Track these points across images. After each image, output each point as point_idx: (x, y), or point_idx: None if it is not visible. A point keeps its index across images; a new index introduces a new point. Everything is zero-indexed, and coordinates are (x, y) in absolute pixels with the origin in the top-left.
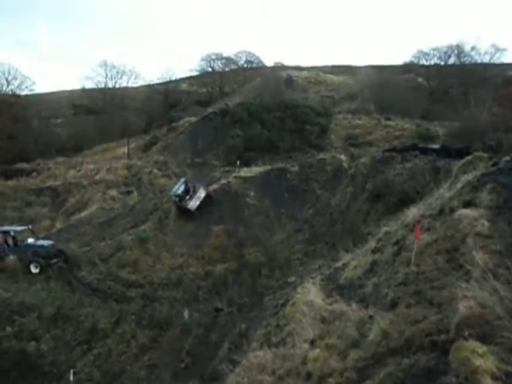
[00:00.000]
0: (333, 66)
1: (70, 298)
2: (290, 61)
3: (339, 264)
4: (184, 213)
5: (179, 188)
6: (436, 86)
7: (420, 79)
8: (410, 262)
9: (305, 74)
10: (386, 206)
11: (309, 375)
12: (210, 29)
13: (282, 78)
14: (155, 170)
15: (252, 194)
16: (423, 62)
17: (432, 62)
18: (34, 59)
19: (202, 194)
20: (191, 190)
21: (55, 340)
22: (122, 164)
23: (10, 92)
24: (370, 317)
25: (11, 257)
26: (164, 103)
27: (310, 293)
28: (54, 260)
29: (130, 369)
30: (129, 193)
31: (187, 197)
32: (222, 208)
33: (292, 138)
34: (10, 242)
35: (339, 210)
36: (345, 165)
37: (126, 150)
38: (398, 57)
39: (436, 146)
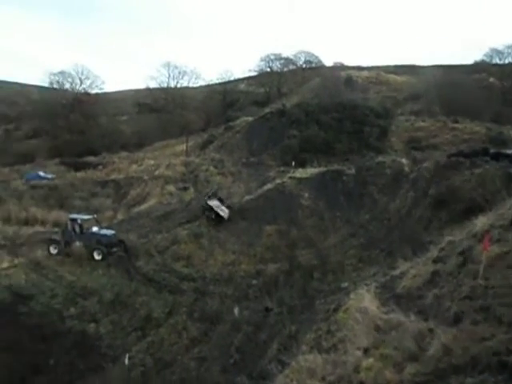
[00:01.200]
0: (395, 66)
1: (127, 286)
2: (350, 60)
3: (396, 272)
4: (213, 220)
5: (211, 197)
6: (510, 87)
7: (492, 79)
8: (477, 275)
9: (365, 73)
10: (451, 213)
11: None
12: (270, 29)
13: (341, 78)
14: (211, 168)
15: (306, 195)
16: (496, 60)
17: (506, 61)
18: (104, 60)
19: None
20: (223, 200)
21: (113, 324)
22: (181, 161)
23: (83, 90)
24: (430, 330)
25: (77, 243)
26: (222, 103)
27: (365, 300)
28: (115, 249)
29: (181, 359)
30: (185, 189)
31: (221, 206)
32: (275, 208)
33: (349, 140)
34: (77, 229)
35: (398, 216)
36: (406, 169)
37: (185, 148)
38: (467, 56)
39: (510, 152)
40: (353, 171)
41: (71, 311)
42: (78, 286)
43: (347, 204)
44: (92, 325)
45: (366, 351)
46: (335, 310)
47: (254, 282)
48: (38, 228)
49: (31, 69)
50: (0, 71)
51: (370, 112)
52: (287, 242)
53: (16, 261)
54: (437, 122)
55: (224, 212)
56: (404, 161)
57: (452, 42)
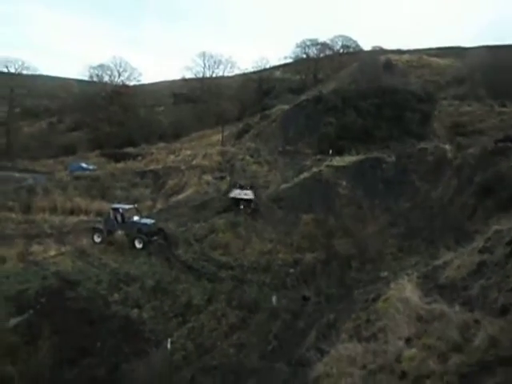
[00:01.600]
0: (438, 48)
1: (167, 274)
2: (389, 44)
3: (439, 262)
4: (248, 208)
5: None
6: None
7: None
8: None
9: (406, 57)
10: (497, 201)
11: (404, 374)
12: (306, 14)
13: (380, 63)
14: (247, 157)
15: (344, 183)
16: None
17: None
18: (141, 52)
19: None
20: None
21: (155, 310)
22: (217, 150)
23: (121, 83)
24: (476, 321)
25: (119, 232)
26: (257, 91)
27: (406, 290)
28: (155, 237)
29: (221, 345)
30: (222, 178)
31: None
32: (312, 197)
33: (389, 126)
34: (119, 218)
35: (440, 204)
36: (449, 155)
37: (221, 137)
38: None
39: None
40: (393, 159)
41: (115, 297)
42: (121, 273)
43: (386, 192)
44: (135, 310)
45: (407, 341)
46: (374, 300)
47: (292, 270)
48: (82, 217)
49: (72, 63)
50: (42, 66)
51: (411, 97)
52: (324, 231)
53: (63, 249)
54: (483, 106)
55: (248, 195)
56: (447, 147)
57: (500, 20)
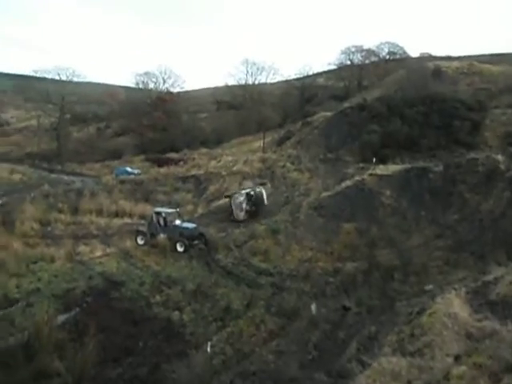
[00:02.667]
0: (491, 55)
1: (207, 278)
2: (438, 51)
3: (489, 277)
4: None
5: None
6: None
7: None
8: None
9: (456, 64)
10: None
11: None
12: (351, 21)
13: (428, 70)
14: (288, 164)
15: (388, 193)
16: None
17: None
18: (185, 59)
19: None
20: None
21: (195, 313)
22: (258, 157)
23: (165, 90)
24: None
25: (161, 235)
26: (300, 98)
27: (454, 305)
28: (196, 242)
29: (259, 351)
30: (262, 185)
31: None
32: (353, 205)
33: (436, 135)
34: (162, 222)
35: (491, 217)
36: (502, 166)
37: (262, 144)
38: None
39: None
40: (440, 168)
41: (157, 298)
42: (162, 276)
43: (433, 203)
44: (176, 312)
45: (456, 358)
46: (419, 313)
47: (331, 279)
48: (127, 220)
49: (119, 71)
50: (92, 74)
51: (460, 105)
52: (366, 241)
53: (108, 250)
54: None
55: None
56: (500, 157)
57: None
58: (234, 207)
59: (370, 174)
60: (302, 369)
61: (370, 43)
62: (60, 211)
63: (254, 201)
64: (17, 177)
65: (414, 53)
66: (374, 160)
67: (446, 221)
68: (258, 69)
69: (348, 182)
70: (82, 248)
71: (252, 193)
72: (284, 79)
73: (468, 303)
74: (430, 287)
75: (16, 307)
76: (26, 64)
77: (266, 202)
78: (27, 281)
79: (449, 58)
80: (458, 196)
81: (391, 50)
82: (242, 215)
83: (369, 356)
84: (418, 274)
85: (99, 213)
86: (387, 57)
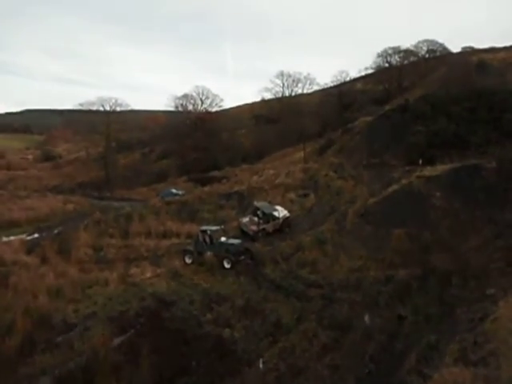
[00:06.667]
0: None
1: (256, 293)
2: (481, 43)
3: None
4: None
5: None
6: None
7: None
8: None
9: (502, 55)
10: None
11: None
12: (386, 24)
13: (472, 64)
14: (331, 173)
15: (438, 194)
16: None
17: None
18: (221, 79)
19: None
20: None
21: (246, 329)
22: (299, 168)
23: (204, 110)
24: None
25: (208, 253)
26: (338, 105)
27: None
28: (242, 257)
29: (314, 366)
30: (306, 195)
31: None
32: (403, 210)
33: (486, 131)
34: (207, 239)
35: None
36: None
37: (303, 154)
38: None
39: None
40: (493, 165)
41: (207, 317)
42: (212, 293)
43: (488, 202)
44: (227, 330)
45: None
46: (481, 320)
47: (384, 288)
48: (174, 240)
49: (159, 96)
50: (134, 102)
51: (510, 97)
52: (419, 246)
53: (158, 270)
54: None
55: (249, 230)
56: None
57: None
58: (243, 228)
59: (418, 176)
60: (360, 383)
61: (407, 43)
62: (111, 236)
63: (266, 218)
64: (70, 206)
65: (455, 48)
66: (421, 161)
67: (505, 219)
68: (293, 80)
69: (395, 187)
70: (133, 270)
71: (259, 212)
72: (321, 88)
73: None
74: (491, 291)
75: (74, 332)
76: (72, 99)
77: (284, 215)
78: (84, 305)
79: (493, 50)
80: None
81: (430, 47)
82: (251, 231)
83: (429, 367)
84: (477, 277)
85: (148, 235)
86: (427, 55)
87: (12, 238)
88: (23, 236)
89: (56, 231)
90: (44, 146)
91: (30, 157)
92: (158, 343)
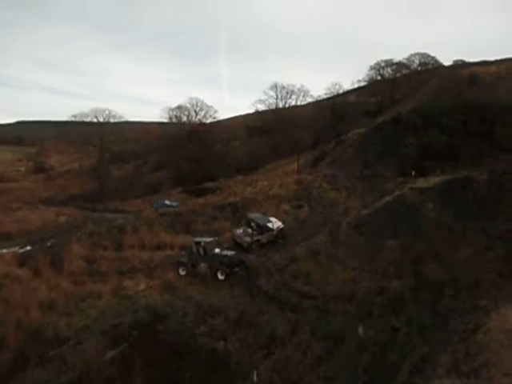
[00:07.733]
0: None
1: (250, 305)
2: (472, 56)
3: None
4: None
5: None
6: None
7: None
8: None
9: (493, 68)
10: None
11: None
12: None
13: (463, 77)
14: (324, 184)
15: (431, 206)
16: None
17: None
18: (215, 90)
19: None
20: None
21: (240, 342)
22: (293, 179)
23: (198, 121)
24: None
25: (202, 264)
26: (331, 117)
27: (510, 320)
28: (236, 269)
29: (308, 378)
30: (300, 207)
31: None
32: (395, 221)
33: (478, 143)
34: (201, 251)
35: None
36: None
37: (296, 166)
38: None
39: None
40: (485, 177)
41: (201, 329)
42: (205, 305)
43: (480, 213)
44: (221, 342)
45: None
46: (474, 331)
47: (378, 299)
48: (168, 252)
49: (153, 108)
50: (128, 113)
51: (501, 110)
52: (412, 257)
53: (151, 283)
54: None
55: (243, 241)
56: None
57: None
58: (237, 239)
59: (411, 188)
60: None
61: (399, 56)
62: (104, 248)
63: (260, 229)
64: (63, 218)
65: (446, 61)
66: (413, 173)
67: (496, 231)
68: (287, 92)
69: (388, 198)
70: (126, 282)
71: (252, 223)
72: (314, 100)
73: None
74: (483, 302)
75: (67, 345)
76: (65, 110)
77: (278, 226)
78: (76, 319)
79: (485, 63)
80: (507, 204)
81: (422, 60)
82: (245, 243)
83: (422, 378)
84: (469, 288)
85: (141, 247)
86: (419, 68)
87: (4, 250)
88: (15, 249)
89: (49, 243)
90: (37, 158)
91: (23, 168)
92: (152, 356)
